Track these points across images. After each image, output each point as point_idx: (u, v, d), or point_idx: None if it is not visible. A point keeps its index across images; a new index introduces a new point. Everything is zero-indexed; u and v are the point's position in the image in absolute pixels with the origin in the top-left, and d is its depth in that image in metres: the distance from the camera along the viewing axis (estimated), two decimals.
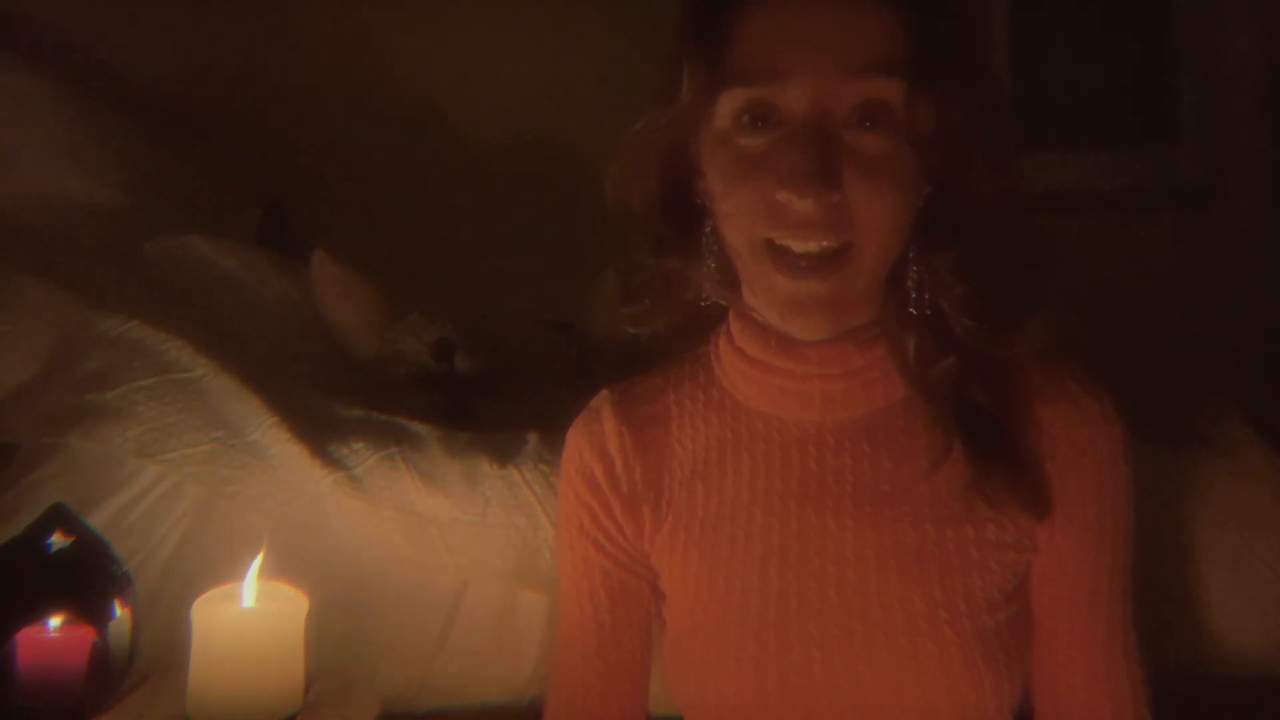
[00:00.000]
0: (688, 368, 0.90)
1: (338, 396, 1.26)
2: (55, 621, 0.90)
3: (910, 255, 0.79)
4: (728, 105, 0.76)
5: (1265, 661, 1.02)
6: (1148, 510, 0.84)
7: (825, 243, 0.74)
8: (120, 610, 0.92)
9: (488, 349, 1.50)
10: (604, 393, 0.91)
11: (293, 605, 0.88)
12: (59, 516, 0.93)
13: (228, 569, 0.91)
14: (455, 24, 2.12)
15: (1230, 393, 1.20)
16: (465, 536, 1.06)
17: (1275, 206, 2.13)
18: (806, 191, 0.72)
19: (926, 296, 0.78)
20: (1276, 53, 2.14)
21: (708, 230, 0.82)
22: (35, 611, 0.90)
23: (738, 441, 0.84)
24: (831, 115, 0.73)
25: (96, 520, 1.01)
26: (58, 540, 0.92)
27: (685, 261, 0.84)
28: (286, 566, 0.92)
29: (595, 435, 0.88)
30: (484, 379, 1.47)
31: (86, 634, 0.90)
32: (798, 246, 0.74)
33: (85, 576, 0.92)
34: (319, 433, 1.11)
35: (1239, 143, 2.16)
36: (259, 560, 0.89)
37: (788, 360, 0.82)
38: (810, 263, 0.74)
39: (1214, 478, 1.06)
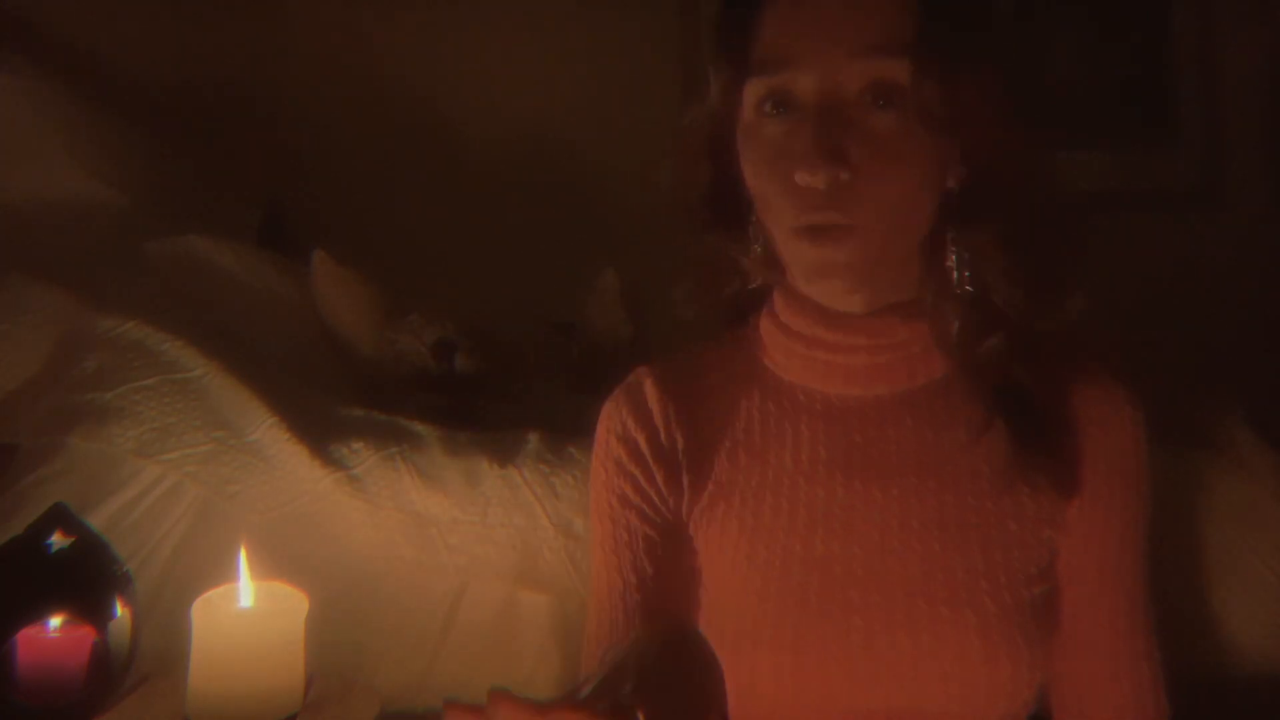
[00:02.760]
0: (727, 350, 0.92)
1: (338, 396, 1.26)
2: (55, 621, 0.90)
3: (950, 235, 0.82)
4: (751, 96, 0.80)
5: (1265, 661, 1.02)
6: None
7: (836, 219, 0.77)
8: (120, 610, 0.92)
9: (488, 349, 1.50)
10: (642, 368, 0.92)
11: (292, 605, 0.88)
12: (59, 516, 0.93)
13: (228, 569, 0.91)
14: (455, 24, 2.12)
15: (1230, 393, 1.20)
16: (465, 536, 1.06)
17: (1275, 206, 2.13)
18: (816, 169, 0.75)
19: (967, 274, 0.81)
20: (1276, 53, 2.14)
21: (754, 219, 0.85)
22: (35, 611, 0.90)
23: (781, 414, 0.86)
24: (842, 97, 0.77)
25: (96, 520, 1.01)
26: (58, 540, 0.91)
27: (733, 246, 0.87)
28: (286, 566, 0.92)
29: (639, 405, 0.89)
30: (484, 379, 1.47)
31: (86, 634, 0.90)
32: (816, 220, 0.78)
33: (85, 576, 0.92)
34: (319, 433, 1.11)
35: (1239, 143, 2.16)
36: (243, 559, 0.88)
37: (835, 333, 0.85)
38: (826, 231, 0.78)
39: (1214, 478, 1.06)
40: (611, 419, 0.90)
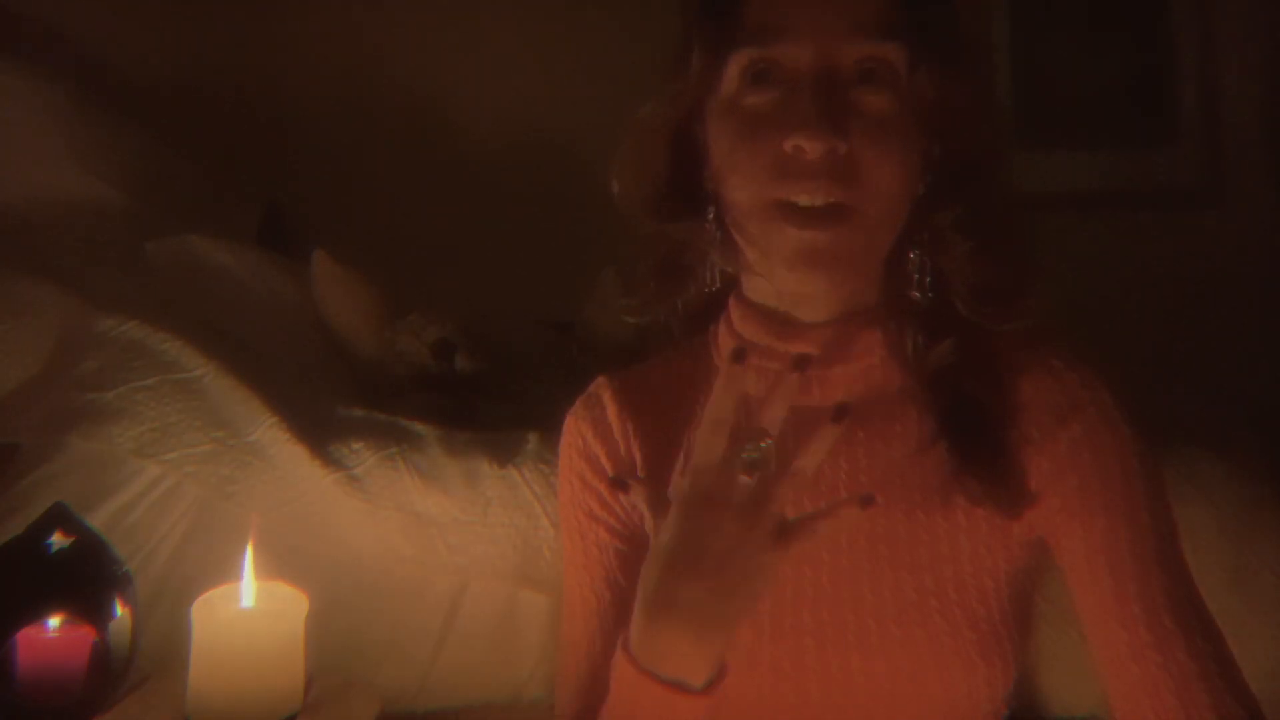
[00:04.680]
0: (686, 357, 0.91)
1: (338, 396, 1.26)
2: (55, 621, 0.90)
3: (914, 237, 0.80)
4: (735, 67, 0.78)
5: (1269, 664, 1.01)
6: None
7: (831, 197, 0.75)
8: (120, 610, 0.92)
9: (488, 349, 1.50)
10: (601, 379, 0.91)
11: (293, 605, 0.88)
12: (59, 516, 0.93)
13: (228, 569, 0.91)
14: (455, 24, 2.12)
15: (1230, 393, 1.20)
16: (465, 536, 1.06)
17: (1275, 206, 2.13)
18: (816, 135, 0.73)
19: (927, 280, 0.80)
20: (1276, 53, 2.14)
21: (711, 216, 0.83)
22: (35, 611, 0.90)
23: (736, 427, 0.84)
24: (836, 71, 0.75)
25: (96, 520, 1.01)
26: (58, 540, 0.91)
27: (693, 237, 0.84)
28: (286, 566, 0.92)
29: (599, 420, 0.88)
30: (484, 379, 1.47)
31: (86, 634, 0.90)
32: (804, 201, 0.75)
33: (85, 576, 0.92)
34: (319, 433, 1.11)
35: (1239, 143, 2.16)
36: (249, 553, 0.89)
37: (789, 341, 0.82)
38: (817, 214, 0.75)
39: (1214, 478, 1.06)
40: (572, 434, 0.90)
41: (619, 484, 0.74)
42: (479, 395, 1.44)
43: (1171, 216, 2.13)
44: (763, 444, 0.68)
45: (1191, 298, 2.02)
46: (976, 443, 0.79)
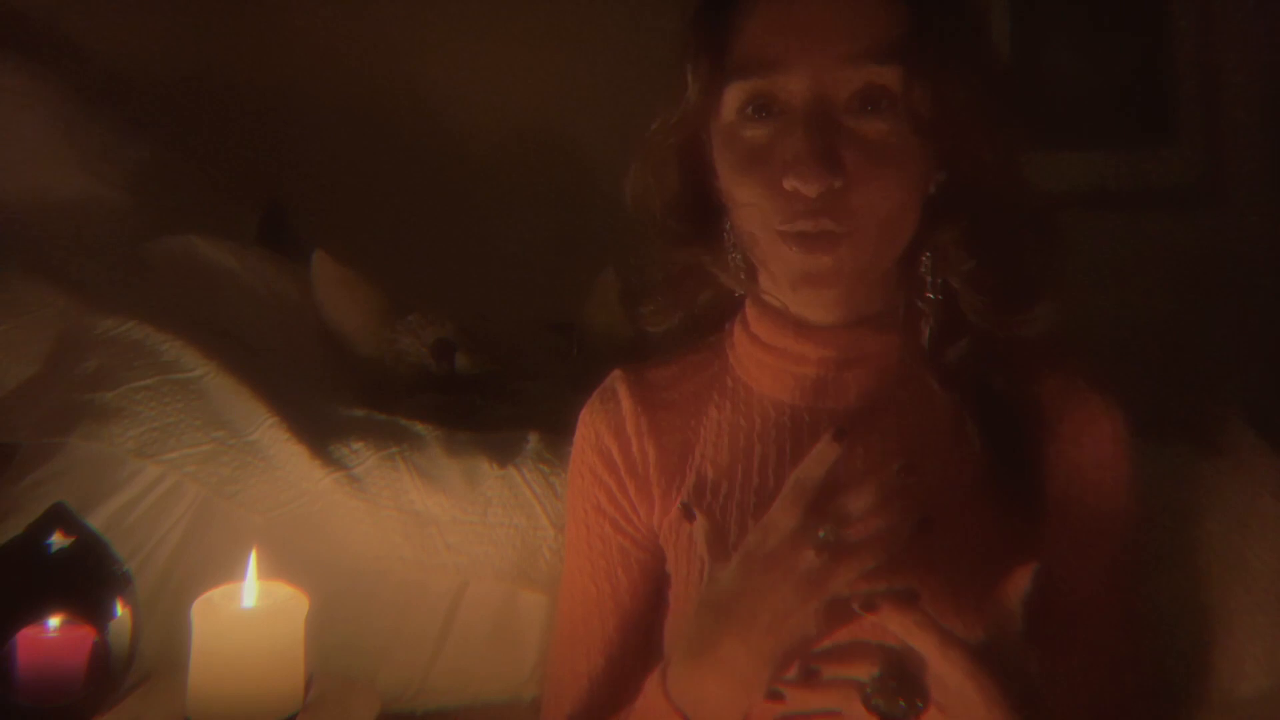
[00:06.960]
0: (702, 357, 0.91)
1: (338, 396, 1.26)
2: (55, 621, 0.90)
3: (925, 240, 0.80)
4: (732, 99, 0.78)
5: (1268, 667, 1.01)
6: (1146, 511, 0.83)
7: (831, 226, 0.75)
8: (120, 610, 0.92)
9: (488, 349, 1.50)
10: (617, 373, 0.92)
11: (293, 605, 0.88)
12: (59, 516, 0.93)
13: (228, 569, 0.91)
14: (455, 23, 2.12)
15: (1230, 393, 1.20)
16: (465, 536, 1.06)
17: (1275, 206, 2.13)
18: (810, 177, 0.73)
19: (940, 282, 0.80)
20: (1276, 53, 2.14)
21: (727, 226, 0.83)
22: (35, 611, 0.90)
23: (750, 428, 0.85)
24: (831, 102, 0.75)
25: (96, 520, 1.01)
26: (58, 540, 0.91)
27: (706, 256, 0.85)
28: (286, 566, 0.92)
29: (613, 415, 0.89)
30: (484, 379, 1.47)
31: (86, 634, 0.90)
32: (807, 230, 0.76)
33: (85, 576, 0.92)
34: (319, 432, 1.11)
35: (1239, 143, 2.16)
36: (253, 562, 0.89)
37: (804, 344, 0.83)
38: (819, 239, 0.76)
39: (1214, 480, 1.06)
40: (587, 427, 0.90)
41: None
42: (479, 395, 1.44)
43: (1171, 216, 2.13)
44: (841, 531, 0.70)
45: (1191, 297, 2.02)
46: (1004, 437, 0.79)
